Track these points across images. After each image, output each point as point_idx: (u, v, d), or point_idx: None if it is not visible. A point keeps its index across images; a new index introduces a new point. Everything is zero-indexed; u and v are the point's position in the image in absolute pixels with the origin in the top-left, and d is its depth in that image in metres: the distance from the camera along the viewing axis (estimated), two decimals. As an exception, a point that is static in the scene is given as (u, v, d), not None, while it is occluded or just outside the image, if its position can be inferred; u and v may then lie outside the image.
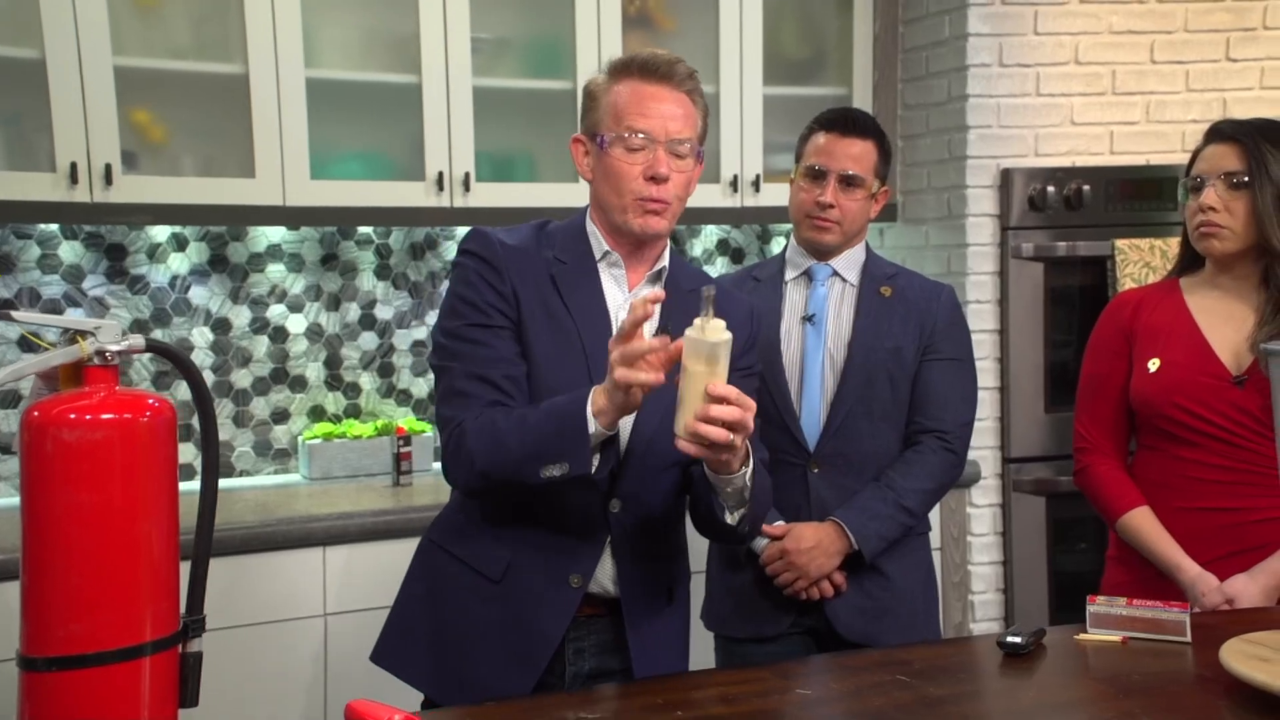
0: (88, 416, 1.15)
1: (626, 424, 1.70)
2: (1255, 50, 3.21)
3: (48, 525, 1.14)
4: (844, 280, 2.26)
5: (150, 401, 1.22)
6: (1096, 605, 1.74)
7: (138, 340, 1.22)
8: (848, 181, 2.19)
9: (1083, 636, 1.74)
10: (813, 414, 2.21)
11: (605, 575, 1.77)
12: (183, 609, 1.25)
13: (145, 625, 1.17)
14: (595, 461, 1.62)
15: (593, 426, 1.58)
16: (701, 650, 2.40)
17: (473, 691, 1.71)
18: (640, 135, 1.71)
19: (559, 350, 1.73)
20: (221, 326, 3.06)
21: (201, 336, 3.04)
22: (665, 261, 1.82)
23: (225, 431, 3.06)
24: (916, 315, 2.23)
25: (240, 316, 3.08)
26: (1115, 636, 1.72)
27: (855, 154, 2.19)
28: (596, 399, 1.58)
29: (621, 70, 1.75)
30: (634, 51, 1.77)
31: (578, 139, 1.81)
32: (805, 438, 2.20)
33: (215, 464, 1.28)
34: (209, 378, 3.05)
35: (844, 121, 2.22)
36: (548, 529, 1.72)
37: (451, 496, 1.87)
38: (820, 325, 2.23)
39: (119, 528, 1.16)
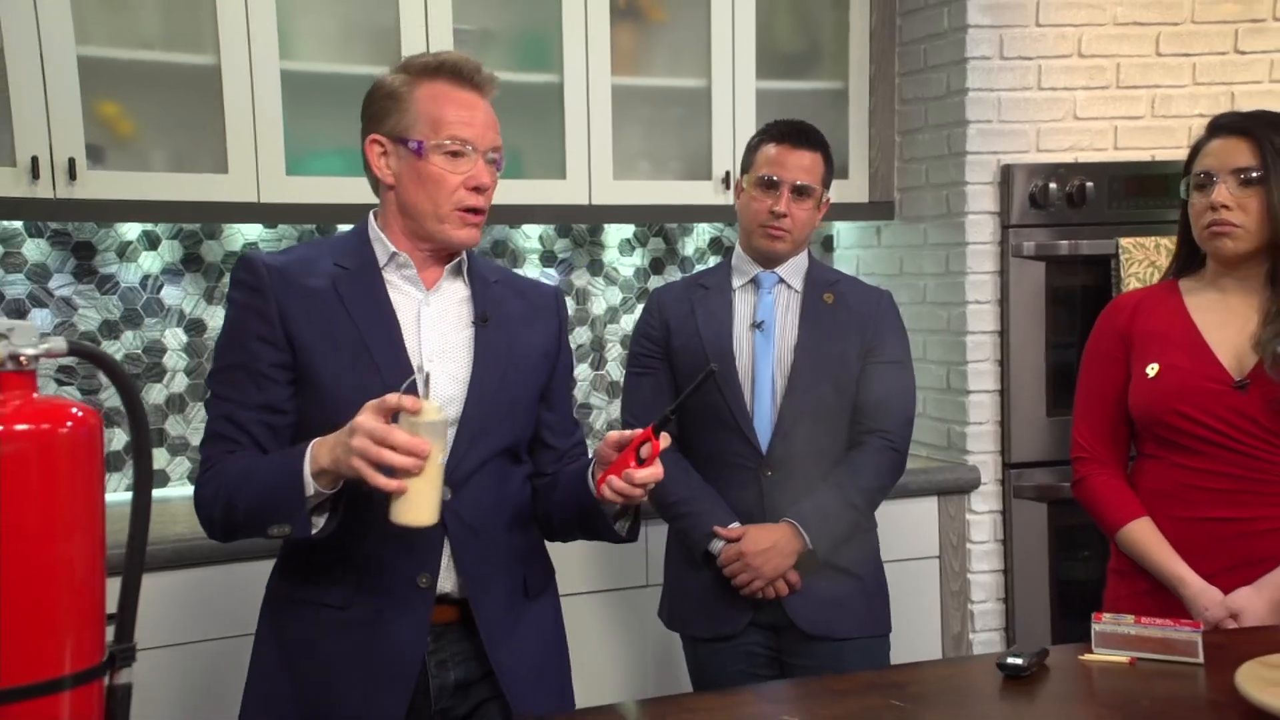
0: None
1: (455, 409, 1.67)
2: (1264, 42, 3.11)
3: (-48, 547, 1.03)
4: (789, 287, 2.36)
5: (73, 410, 1.11)
6: (1102, 624, 1.65)
7: (58, 343, 1.11)
8: (799, 191, 2.30)
9: (1088, 657, 1.65)
10: (764, 419, 2.29)
11: (449, 573, 1.69)
12: (110, 637, 1.15)
13: (65, 656, 1.07)
14: (321, 521, 1.56)
15: (310, 489, 1.53)
16: (666, 648, 2.44)
17: None
18: (464, 144, 1.67)
19: (348, 361, 1.65)
20: (196, 328, 2.97)
21: (175, 338, 2.95)
22: (462, 254, 1.77)
23: (200, 437, 2.96)
24: (857, 321, 2.34)
25: (215, 317, 2.98)
26: (1122, 657, 1.62)
27: (806, 165, 2.31)
28: (319, 455, 1.52)
29: (431, 71, 1.68)
30: (437, 53, 1.72)
31: (376, 139, 1.71)
32: (759, 442, 2.28)
33: (148, 479, 1.18)
34: (182, 381, 2.96)
35: (795, 134, 2.33)
36: (381, 532, 1.59)
37: None
38: (769, 332, 2.32)
39: (34, 550, 1.05)
